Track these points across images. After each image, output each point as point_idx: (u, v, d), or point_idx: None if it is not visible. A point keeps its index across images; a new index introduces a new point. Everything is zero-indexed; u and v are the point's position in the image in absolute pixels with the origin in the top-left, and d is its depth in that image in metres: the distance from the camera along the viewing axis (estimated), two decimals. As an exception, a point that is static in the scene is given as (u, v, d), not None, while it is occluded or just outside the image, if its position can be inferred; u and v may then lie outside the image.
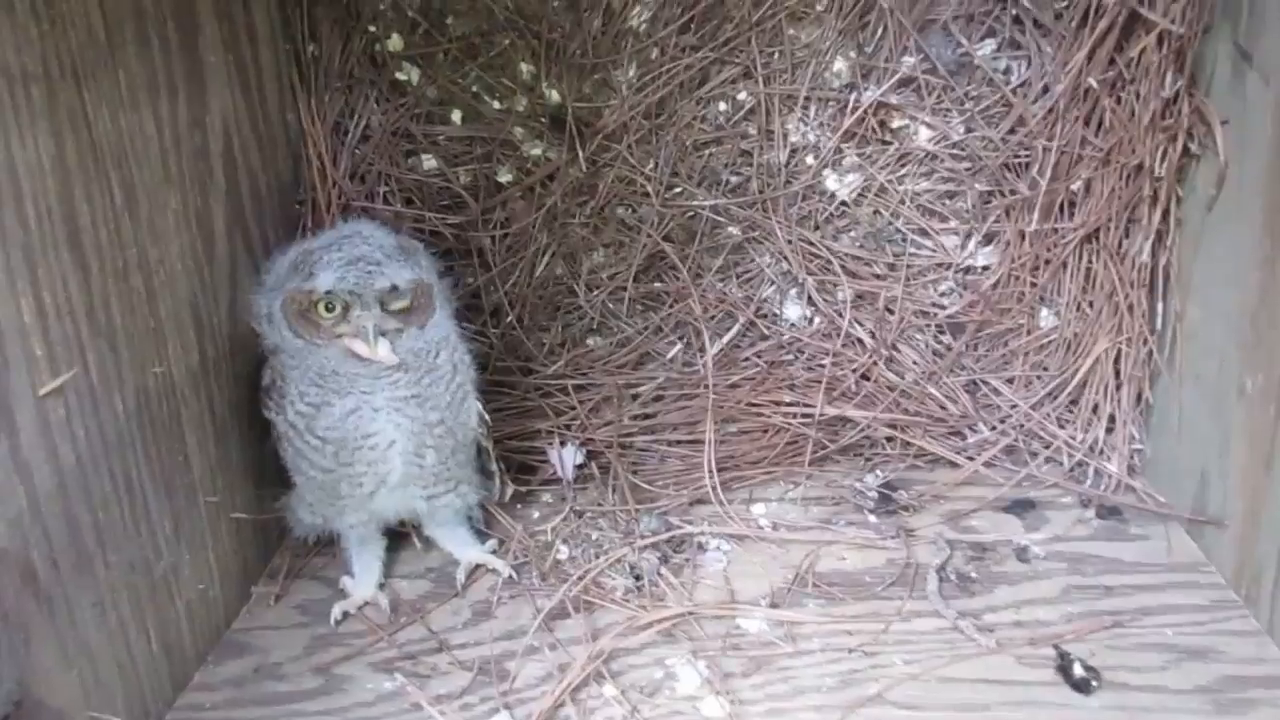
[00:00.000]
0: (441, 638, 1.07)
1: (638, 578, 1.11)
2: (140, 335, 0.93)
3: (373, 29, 1.29)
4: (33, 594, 0.79)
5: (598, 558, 1.14)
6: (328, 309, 1.00)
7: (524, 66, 1.32)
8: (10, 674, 0.77)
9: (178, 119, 1.00)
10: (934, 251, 1.38)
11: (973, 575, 1.13)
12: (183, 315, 1.01)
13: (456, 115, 1.34)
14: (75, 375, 0.83)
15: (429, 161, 1.35)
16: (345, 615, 1.10)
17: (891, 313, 1.37)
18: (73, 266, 0.83)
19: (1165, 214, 1.21)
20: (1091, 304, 1.30)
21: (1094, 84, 1.21)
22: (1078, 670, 0.96)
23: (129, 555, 0.92)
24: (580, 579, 1.10)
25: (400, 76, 1.31)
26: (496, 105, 1.33)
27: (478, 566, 1.17)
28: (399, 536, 1.21)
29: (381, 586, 1.14)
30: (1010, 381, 1.36)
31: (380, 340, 1.00)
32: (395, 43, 1.30)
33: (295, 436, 1.05)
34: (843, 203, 1.37)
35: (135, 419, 0.93)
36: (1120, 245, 1.26)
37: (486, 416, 1.12)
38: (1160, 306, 1.24)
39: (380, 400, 1.03)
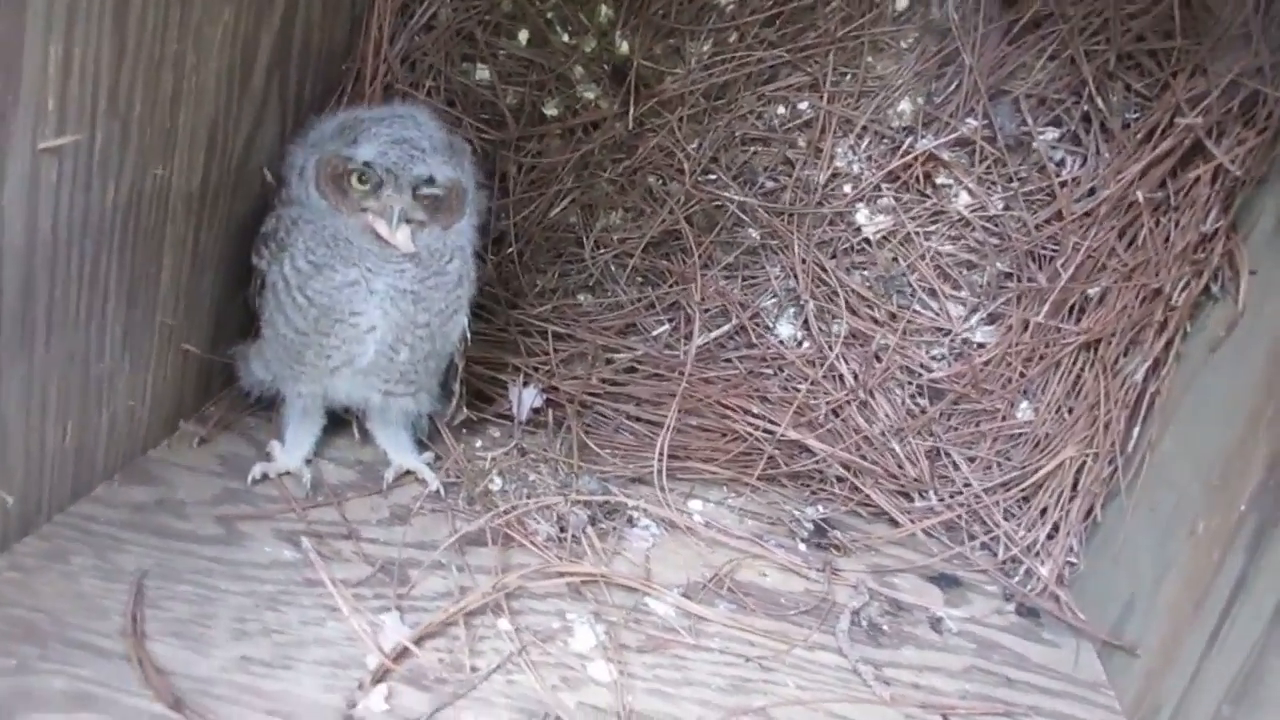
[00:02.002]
0: (352, 527, 1.05)
1: (562, 530, 1.09)
2: (153, 133, 0.91)
3: (471, -79, 1.28)
4: (-33, 344, 0.76)
5: (529, 498, 1.12)
6: (361, 180, 0.99)
7: (604, 9, 1.30)
8: (-80, 414, 0.74)
9: (257, -64, 0.98)
10: (937, 315, 1.38)
11: (884, 628, 1.12)
12: (199, 131, 0.99)
13: (524, 35, 1.32)
14: (78, 143, 0.81)
15: (482, 71, 1.33)
16: (264, 477, 1.08)
17: (879, 360, 1.37)
18: (111, 35, 0.81)
19: (1169, 344, 1.22)
20: (1071, 410, 1.31)
21: (1140, 199, 1.22)
22: (960, 745, 0.95)
23: (71, 345, 0.89)
24: (506, 513, 1.08)
25: (482, -22, 1.30)
26: (565, 38, 1.32)
27: (408, 473, 1.15)
28: (338, 421, 1.19)
29: (308, 462, 1.13)
30: (972, 460, 1.36)
31: (402, 226, 0.99)
32: (487, -56, 1.28)
33: (283, 289, 1.02)
34: (866, 240, 1.37)
35: (121, 213, 0.90)
36: (1116, 361, 1.27)
37: (469, 336, 1.10)
38: (1137, 430, 1.24)
39: (380, 284, 1.01)
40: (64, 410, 0.91)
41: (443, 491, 1.12)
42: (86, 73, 0.79)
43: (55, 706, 0.76)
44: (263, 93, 1.09)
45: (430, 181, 0.98)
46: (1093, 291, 1.29)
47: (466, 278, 1.06)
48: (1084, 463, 1.29)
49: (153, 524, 0.98)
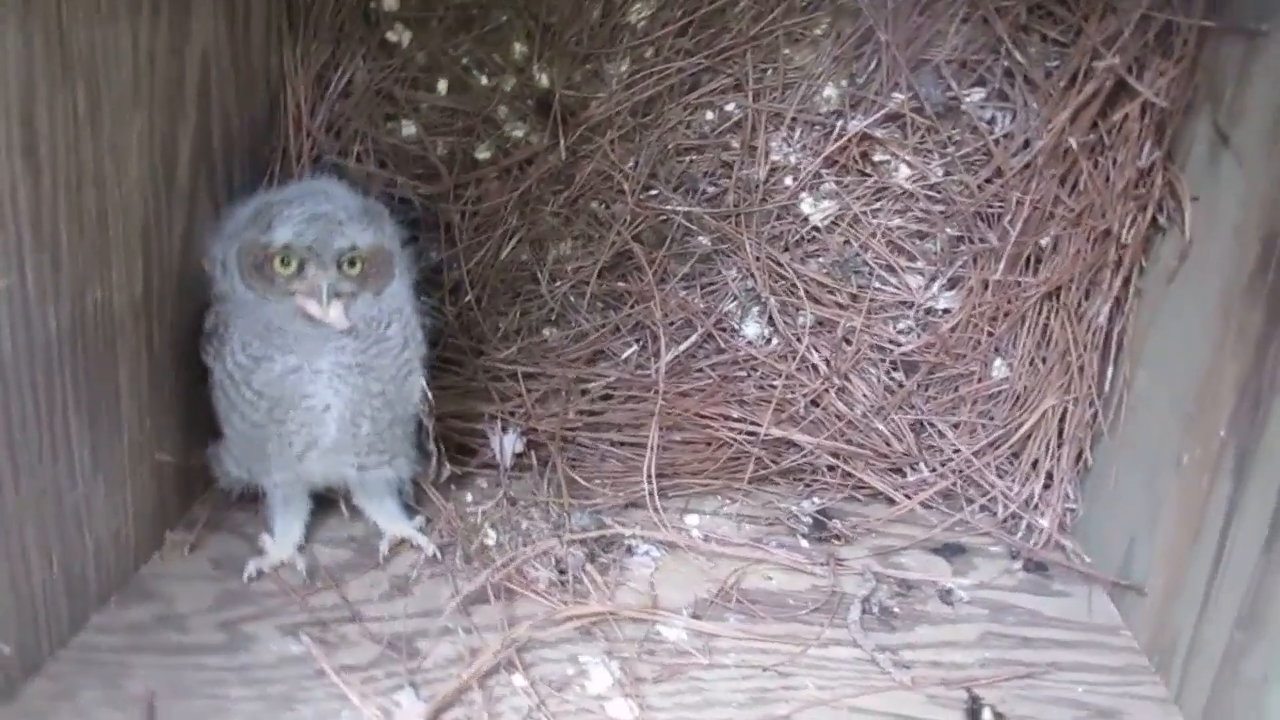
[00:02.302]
0: (355, 608, 1.04)
1: (562, 572, 1.09)
2: (85, 254, 0.90)
3: (370, -16, 1.27)
4: (-67, 504, 0.76)
5: (525, 546, 1.12)
6: (283, 263, 0.97)
7: (518, 46, 1.30)
8: (-103, 584, 0.73)
9: (156, 40, 0.97)
10: (898, 289, 1.38)
11: (895, 611, 1.13)
12: (133, 242, 0.98)
13: (442, 85, 1.32)
14: (9, 285, 0.80)
15: (408, 127, 1.32)
16: (259, 573, 1.08)
17: (849, 343, 1.38)
18: (24, 172, 0.80)
19: (1126, 281, 1.23)
20: (1044, 360, 1.32)
21: (1074, 145, 1.23)
22: (986, 716, 0.96)
23: (41, 480, 0.88)
24: (504, 566, 1.08)
25: (391, 37, 1.29)
26: (484, 81, 1.32)
27: (402, 541, 1.14)
28: (325, 501, 1.18)
29: (301, 549, 1.12)
30: (956, 426, 1.37)
31: (333, 302, 0.97)
32: (390, 2, 1.27)
33: (230, 386, 1.02)
34: (815, 228, 1.37)
35: (68, 340, 0.89)
36: (1079, 306, 1.28)
37: (430, 395, 1.09)
38: (1110, 371, 1.25)
39: (323, 364, 1.01)
40: (45, 546, 0.90)
41: (439, 554, 1.12)
42: (6, 215, 0.78)
43: None
44: (190, 189, 1.08)
45: (353, 251, 0.97)
46: (1044, 241, 1.29)
47: (412, 339, 1.05)
48: (1065, 410, 1.30)
49: (156, 642, 0.97)
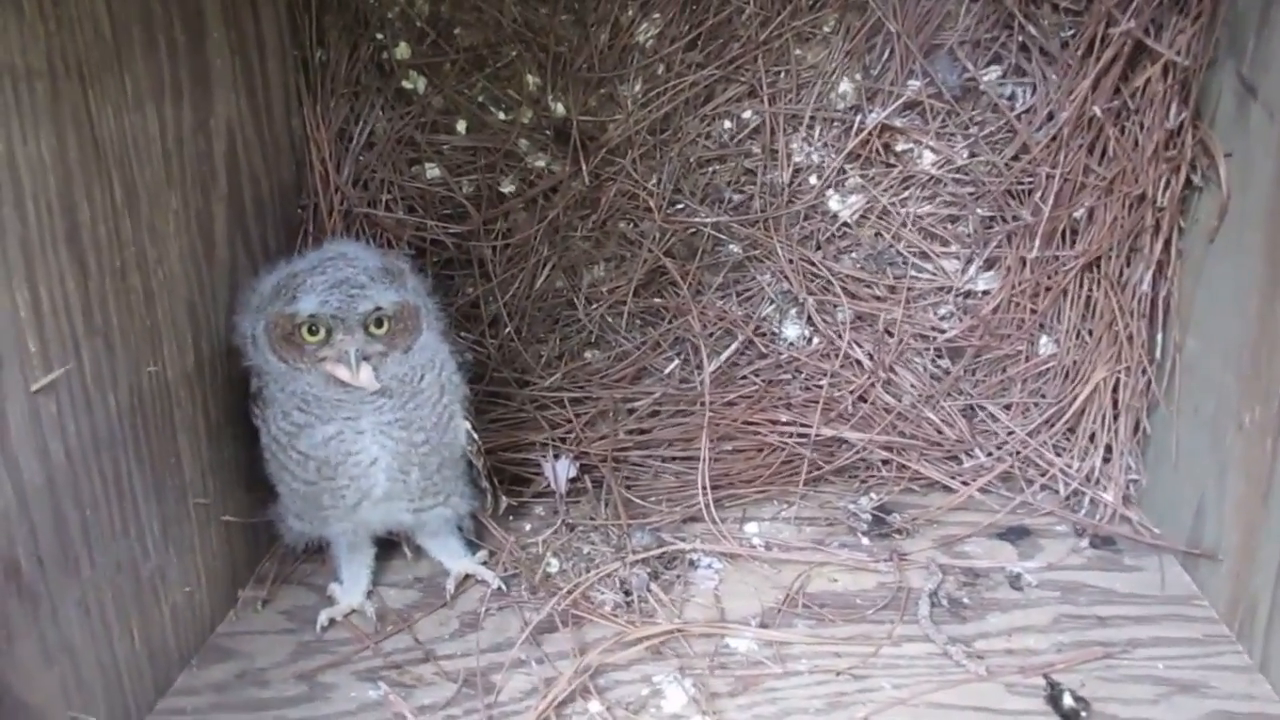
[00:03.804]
0: (428, 648, 1.06)
1: (627, 593, 1.10)
2: (136, 334, 0.93)
3: (380, 37, 1.30)
4: (15, 591, 0.78)
5: (588, 571, 1.13)
6: (311, 332, 0.99)
7: (530, 78, 1.32)
8: (-10, 671, 0.76)
9: (182, 121, 1.00)
10: (934, 275, 1.38)
11: (965, 601, 1.12)
12: (180, 316, 1.01)
13: (461, 125, 1.34)
14: (69, 372, 0.83)
15: (432, 170, 1.35)
16: (331, 622, 1.10)
17: (891, 335, 1.37)
18: (70, 263, 0.83)
19: (1167, 244, 1.21)
20: (1091, 332, 1.30)
21: (1098, 113, 1.21)
22: (1067, 700, 0.95)
23: (116, 555, 0.91)
24: (570, 593, 1.09)
25: (406, 85, 1.32)
26: (502, 116, 1.34)
27: (467, 577, 1.16)
28: (389, 545, 1.20)
29: (369, 594, 1.14)
30: (1008, 408, 1.36)
31: (363, 365, 0.99)
32: (403, 51, 1.30)
33: (278, 450, 1.04)
34: (845, 224, 1.37)
35: (128, 418, 0.92)
36: (1121, 274, 1.26)
37: (475, 435, 1.10)
38: (1160, 337, 1.24)
39: (364, 424, 1.02)
40: (124, 618, 0.93)
41: (504, 587, 1.14)
42: (58, 306, 0.81)
43: None
44: (229, 258, 1.11)
45: (378, 312, 0.99)
46: (1079, 213, 1.28)
47: (449, 385, 1.06)
48: (1118, 380, 1.28)
49: (239, 700, 0.99)
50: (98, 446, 0.88)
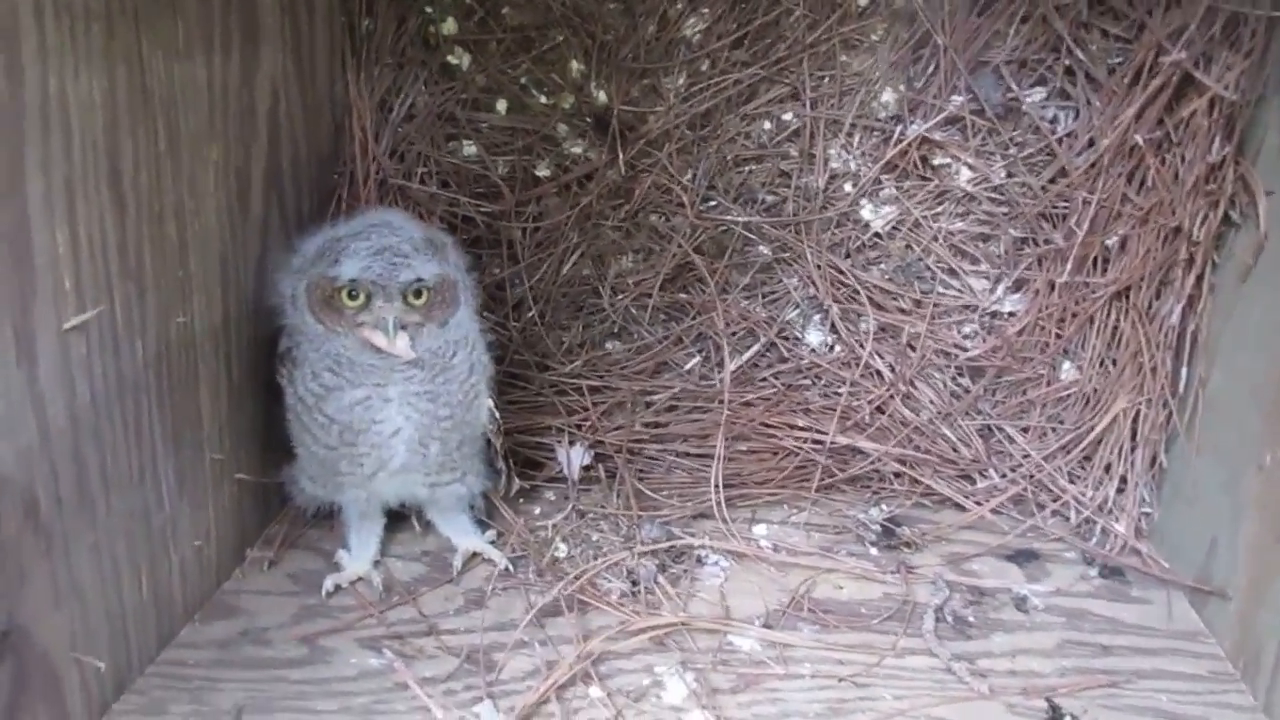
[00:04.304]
0: (431, 622, 1.06)
1: (634, 583, 1.10)
2: (168, 283, 0.93)
3: (429, 10, 1.30)
4: (33, 528, 0.79)
5: (596, 559, 1.13)
6: (351, 297, 0.99)
7: (575, 64, 1.32)
8: (2, 605, 0.76)
9: (229, 74, 1.00)
10: (961, 292, 1.37)
11: (970, 619, 1.11)
12: (212, 269, 1.01)
13: (502, 105, 1.34)
14: (100, 314, 0.83)
15: (469, 148, 1.35)
16: (337, 588, 1.10)
17: (913, 349, 1.37)
18: (111, 205, 0.83)
19: (1199, 279, 1.20)
20: (1115, 361, 1.30)
21: (1140, 142, 1.21)
22: (1069, 724, 0.95)
23: (131, 502, 0.91)
24: (577, 578, 1.09)
25: (451, 61, 1.32)
26: (543, 100, 1.34)
27: (474, 555, 1.16)
28: (398, 517, 1.20)
29: (376, 564, 1.14)
30: (1025, 430, 1.35)
31: (399, 334, 0.99)
32: (450, 26, 1.30)
33: (303, 411, 1.04)
34: (876, 234, 1.37)
35: (153, 366, 0.92)
36: (1150, 305, 1.25)
37: (497, 415, 1.11)
38: (1184, 371, 1.23)
39: (392, 393, 1.03)
40: (134, 567, 0.93)
41: (511, 568, 1.14)
42: (95, 246, 0.81)
43: None
44: (263, 218, 1.11)
45: (419, 283, 0.99)
46: (1112, 241, 1.28)
47: (477, 365, 1.07)
48: (1138, 411, 1.28)
49: (241, 657, 0.99)
50: (122, 391, 0.88)
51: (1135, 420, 1.28)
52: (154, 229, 0.90)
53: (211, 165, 0.99)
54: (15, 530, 0.76)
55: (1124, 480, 1.29)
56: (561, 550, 1.16)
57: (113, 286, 0.85)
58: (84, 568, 0.85)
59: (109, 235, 0.83)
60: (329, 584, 1.09)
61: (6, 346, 0.73)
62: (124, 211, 0.85)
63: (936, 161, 1.34)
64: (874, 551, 1.23)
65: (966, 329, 1.38)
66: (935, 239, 1.36)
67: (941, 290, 1.38)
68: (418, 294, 1.00)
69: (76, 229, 0.79)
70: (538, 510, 1.26)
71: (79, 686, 0.86)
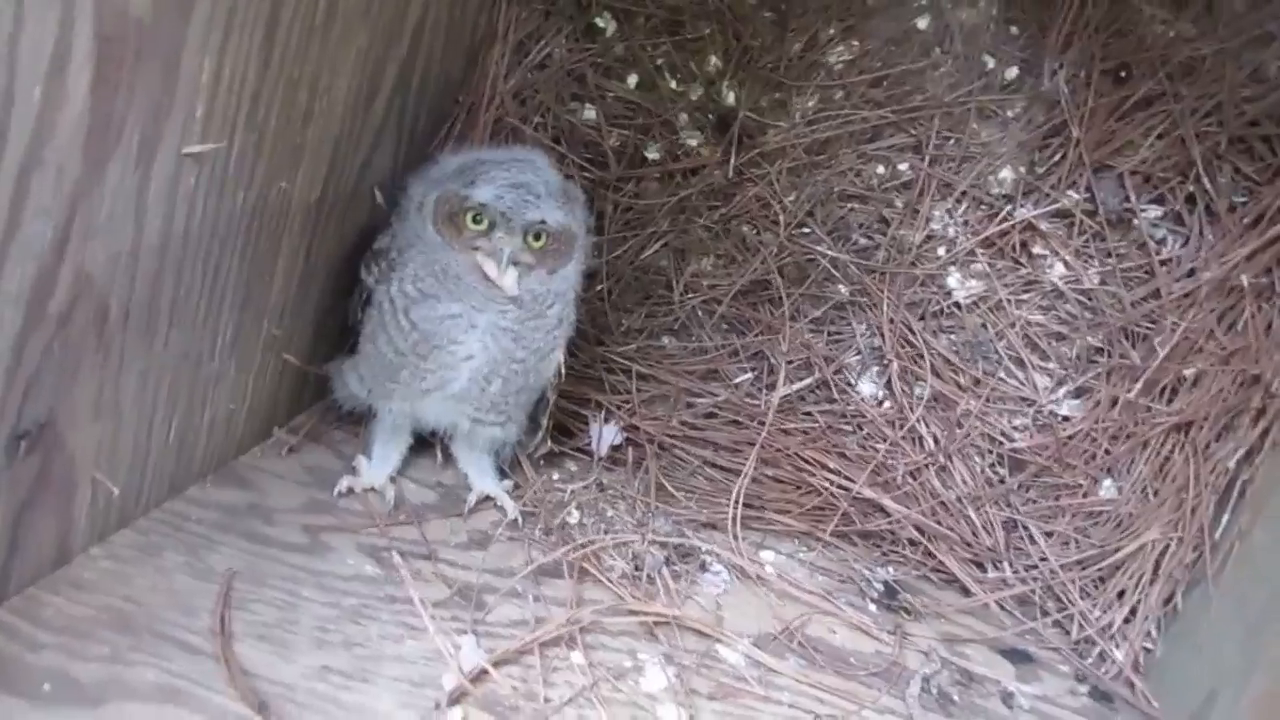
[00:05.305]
0: (432, 548, 1.06)
1: (638, 567, 1.09)
2: (284, 147, 0.94)
3: (591, -32, 1.32)
4: (98, 334, 0.79)
5: (606, 534, 1.13)
6: (475, 220, 1.00)
7: (714, 59, 1.33)
8: (48, 397, 0.77)
9: (395, -33, 1.02)
10: (1023, 384, 1.37)
11: (955, 698, 1.10)
12: (324, 149, 1.02)
13: (633, 79, 1.35)
14: (218, 151, 0.84)
15: (589, 112, 1.36)
16: (349, 490, 1.10)
17: (961, 426, 1.36)
18: (258, 53, 0.84)
19: (1265, 432, 1.19)
20: (1157, 492, 1.28)
21: (1245, 283, 1.20)
22: (1032, 825, 0.93)
23: (187, 344, 0.92)
24: (583, 546, 1.08)
25: (598, 23, 1.33)
26: (674, 85, 1.35)
27: (487, 498, 1.16)
28: (423, 443, 1.20)
29: (392, 479, 1.14)
30: (1049, 535, 1.33)
31: (510, 269, 1.00)
32: (607, -11, 1.32)
33: (389, 310, 1.04)
34: (956, 304, 1.37)
35: (246, 221, 0.93)
36: (1208, 446, 1.24)
37: (564, 371, 1.12)
38: (1226, 518, 1.21)
39: (481, 320, 1.03)
40: (171, 408, 0.93)
41: (520, 520, 1.13)
42: (234, 85, 0.82)
43: (145, 697, 0.77)
44: (383, 117, 1.12)
45: (542, 225, 1.00)
46: (1188, 373, 1.26)
47: (566, 320, 1.08)
48: (1167, 546, 1.26)
49: (243, 527, 0.99)
50: (214, 234, 0.89)
51: (1162, 554, 1.26)
52: (289, 91, 0.91)
53: (355, 49, 1.00)
54: (81, 330, 0.77)
55: (1134, 611, 1.26)
56: (574, 517, 1.16)
57: (236, 130, 0.85)
58: (129, 391, 0.86)
59: (249, 80, 0.84)
60: (343, 485, 1.10)
61: (130, 150, 0.74)
62: (268, 64, 0.86)
63: (1035, 250, 1.33)
64: (873, 608, 1.21)
65: (1018, 420, 1.37)
66: (1012, 325, 1.35)
67: (1004, 376, 1.37)
68: (538, 236, 1.01)
69: (223, 65, 0.80)
70: (557, 475, 1.25)
71: (88, 504, 0.87)
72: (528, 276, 1.02)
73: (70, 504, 0.85)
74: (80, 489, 0.85)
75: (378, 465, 1.14)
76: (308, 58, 0.91)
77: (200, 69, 0.78)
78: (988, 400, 1.36)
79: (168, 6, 0.71)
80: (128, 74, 0.70)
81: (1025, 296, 1.35)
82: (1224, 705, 1.08)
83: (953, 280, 1.36)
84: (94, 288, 0.76)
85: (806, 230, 1.38)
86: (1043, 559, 1.32)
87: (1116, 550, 1.29)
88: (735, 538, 1.21)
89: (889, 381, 1.39)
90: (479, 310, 1.02)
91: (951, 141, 1.32)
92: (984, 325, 1.37)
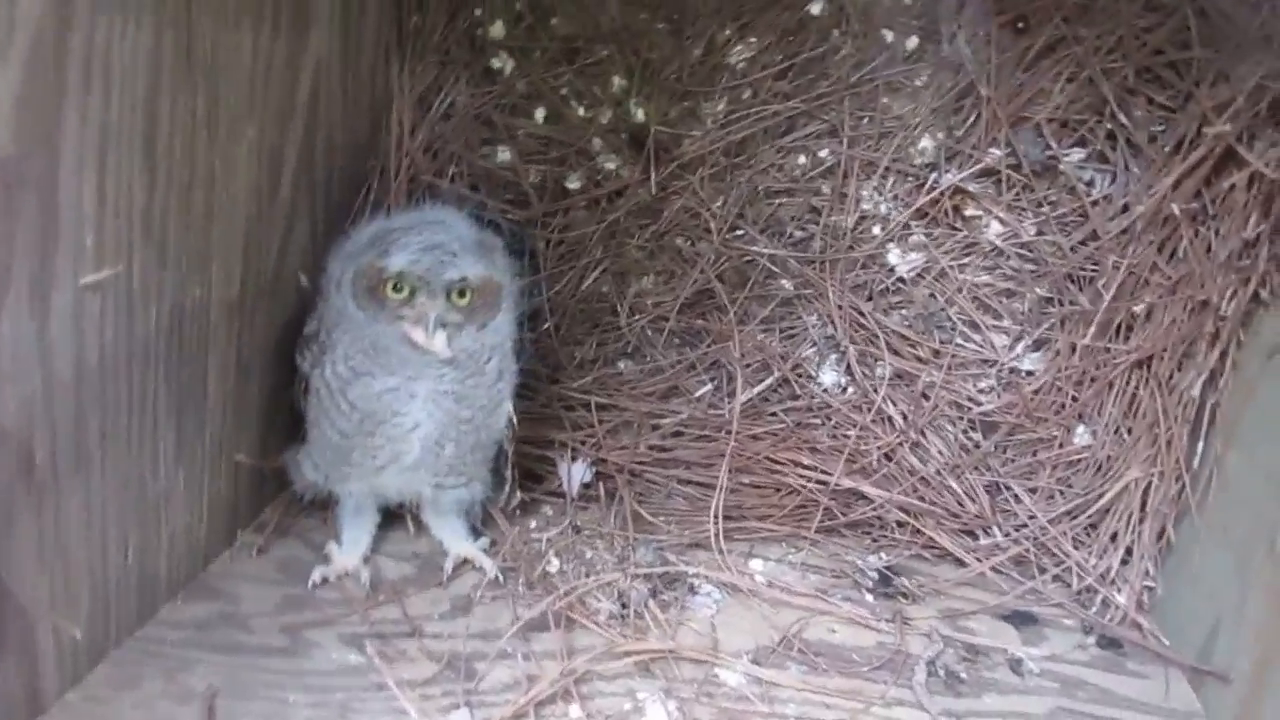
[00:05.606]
0: (415, 623, 1.04)
1: (624, 605, 1.08)
2: (189, 253, 0.92)
3: (478, 12, 1.30)
4: (25, 482, 0.77)
5: (588, 576, 1.11)
6: (395, 289, 0.99)
7: (617, 80, 1.32)
8: (-15, 557, 0.75)
9: (274, 51, 1.00)
10: (981, 346, 1.36)
11: (962, 676, 1.09)
12: (234, 245, 1.00)
13: (540, 113, 1.34)
14: (118, 274, 0.82)
15: (503, 153, 1.35)
16: (324, 580, 1.08)
17: (927, 398, 1.35)
18: (142, 166, 0.82)
19: (1224, 355, 1.19)
20: (1130, 430, 1.28)
21: (1176, 212, 1.20)
22: (1056, 794, 0.92)
23: (126, 469, 0.90)
24: (566, 594, 1.07)
25: (495, 64, 1.32)
26: (581, 112, 1.34)
27: (465, 561, 1.14)
28: (392, 516, 1.19)
29: (366, 560, 1.12)
30: (1033, 491, 1.33)
31: (439, 332, 0.99)
32: (497, 30, 1.31)
33: (326, 394, 1.03)
34: (900, 279, 1.36)
35: (165, 335, 0.91)
36: (1171, 377, 1.24)
37: (515, 422, 1.10)
38: (1200, 446, 1.21)
39: (420, 388, 1.02)
40: (124, 535, 0.91)
41: (501, 578, 1.12)
42: (120, 205, 0.81)
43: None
44: (291, 200, 1.11)
45: (464, 282, 0.99)
46: (1138, 309, 1.26)
47: (507, 371, 1.07)
48: (1150, 483, 1.26)
49: (219, 640, 0.98)
50: (131, 355, 0.87)
51: (1146, 492, 1.26)
52: (182, 196, 0.89)
53: (246, 140, 0.98)
54: (7, 481, 0.75)
55: (1129, 551, 1.26)
56: (553, 565, 1.15)
57: (134, 249, 0.84)
58: (72, 530, 0.84)
59: (136, 197, 0.82)
60: (316, 575, 1.08)
61: (21, 295, 0.72)
62: (154, 175, 0.84)
63: (968, 212, 1.33)
64: (870, 598, 1.20)
65: (983, 383, 1.36)
66: (959, 290, 1.35)
67: (961, 342, 1.36)
68: (461, 293, 0.99)
69: (105, 186, 0.78)
70: (533, 523, 1.24)
71: (53, 651, 0.85)
72: (458, 336, 1.00)
73: (33, 656, 0.83)
74: (40, 638, 0.83)
75: (349, 548, 1.12)
76: (196, 161, 0.90)
77: (80, 196, 0.76)
78: (949, 369, 1.35)
79: (32, 138, 0.70)
80: (2, 216, 0.69)
81: (967, 260, 1.34)
82: (1228, 634, 1.08)
83: (893, 256, 1.36)
84: (12, 438, 0.74)
85: (740, 232, 1.37)
86: (1031, 517, 1.32)
87: (1101, 495, 1.29)
88: (720, 553, 1.20)
89: (848, 368, 1.38)
90: (415, 379, 1.01)
91: (866, 120, 1.32)
92: (932, 295, 1.36)
